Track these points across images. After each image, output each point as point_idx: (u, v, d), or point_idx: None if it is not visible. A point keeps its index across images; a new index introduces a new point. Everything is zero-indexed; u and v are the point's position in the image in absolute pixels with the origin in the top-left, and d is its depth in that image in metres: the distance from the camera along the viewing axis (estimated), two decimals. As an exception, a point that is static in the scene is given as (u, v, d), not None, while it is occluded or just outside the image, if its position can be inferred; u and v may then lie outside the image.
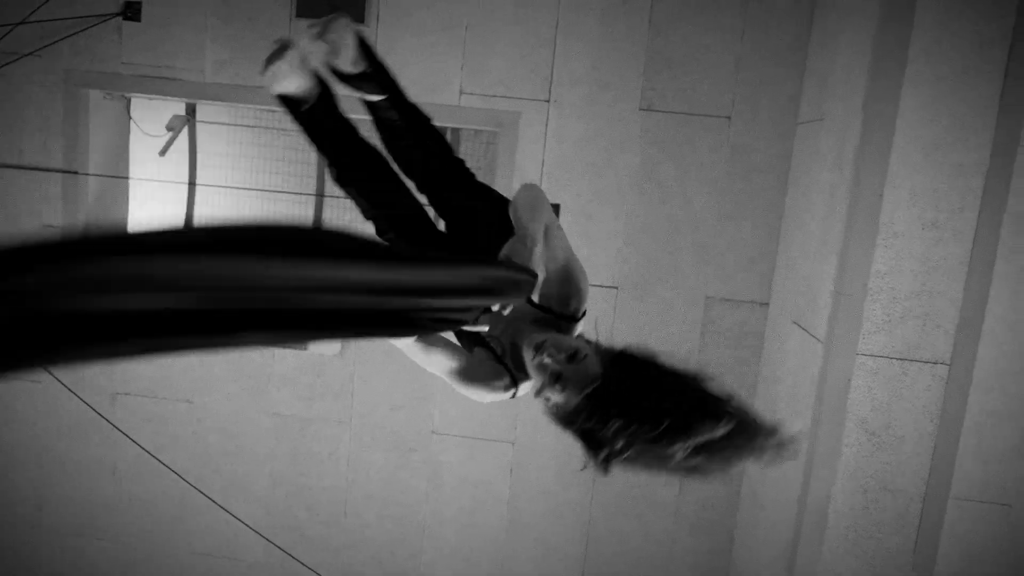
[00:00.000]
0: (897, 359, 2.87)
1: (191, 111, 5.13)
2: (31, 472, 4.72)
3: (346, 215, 5.61)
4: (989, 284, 2.77)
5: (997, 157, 2.75)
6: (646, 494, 4.37)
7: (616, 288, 4.15)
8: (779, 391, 3.75)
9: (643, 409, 1.43)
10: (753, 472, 4.08)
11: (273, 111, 5.07)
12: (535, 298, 1.78)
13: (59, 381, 4.41)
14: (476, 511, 4.51)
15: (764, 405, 4.00)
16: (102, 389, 4.52)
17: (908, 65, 2.78)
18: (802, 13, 3.86)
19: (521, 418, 4.35)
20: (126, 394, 4.54)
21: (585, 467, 1.53)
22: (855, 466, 2.94)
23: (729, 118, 3.98)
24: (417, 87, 4.09)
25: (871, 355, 2.88)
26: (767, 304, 4.08)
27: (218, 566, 4.73)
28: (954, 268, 2.81)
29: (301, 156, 5.51)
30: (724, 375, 4.28)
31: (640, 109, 4.02)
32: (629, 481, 4.37)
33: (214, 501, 4.39)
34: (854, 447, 2.93)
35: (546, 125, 4.06)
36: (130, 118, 4.67)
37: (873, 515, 2.96)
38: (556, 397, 1.53)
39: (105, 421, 4.41)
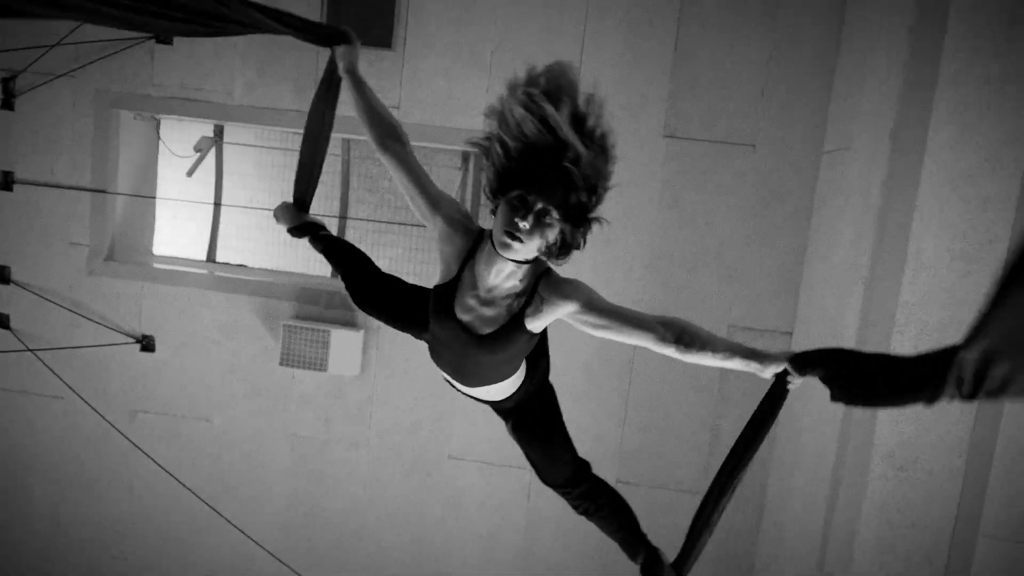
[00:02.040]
0: (925, 392, 2.82)
1: (219, 132, 5.20)
2: (49, 487, 4.73)
3: (368, 237, 5.64)
4: (1020, 317, 2.72)
5: (1028, 189, 2.71)
6: (665, 524, 4.30)
7: (637, 315, 4.12)
8: (803, 423, 3.69)
9: None
10: (774, 504, 4.01)
11: (299, 133, 5.12)
12: None
13: (79, 397, 4.44)
14: (492, 537, 4.47)
15: (787, 437, 3.94)
16: (121, 406, 4.54)
17: (937, 95, 2.76)
18: (829, 41, 3.85)
19: (539, 444, 4.31)
20: (145, 412, 4.56)
21: None
22: (881, 500, 2.88)
23: (754, 146, 3.97)
24: (442, 110, 4.14)
25: (898, 387, 2.83)
26: (790, 333, 4.04)
27: (232, 587, 4.71)
28: (983, 300, 2.76)
29: (325, 179, 5.55)
30: (748, 404, 4.21)
31: (664, 136, 4.02)
32: (648, 512, 4.31)
33: (229, 521, 4.39)
34: (880, 481, 2.88)
35: (569, 151, 4.07)
36: (159, 139, 4.74)
37: (900, 551, 2.89)
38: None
39: (123, 438, 4.42)
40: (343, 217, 5.26)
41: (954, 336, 2.77)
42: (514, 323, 1.83)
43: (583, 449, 4.27)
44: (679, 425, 4.18)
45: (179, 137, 4.97)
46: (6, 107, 4.32)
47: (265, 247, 5.61)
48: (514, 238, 1.66)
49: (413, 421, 4.42)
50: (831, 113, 3.86)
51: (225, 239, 5.35)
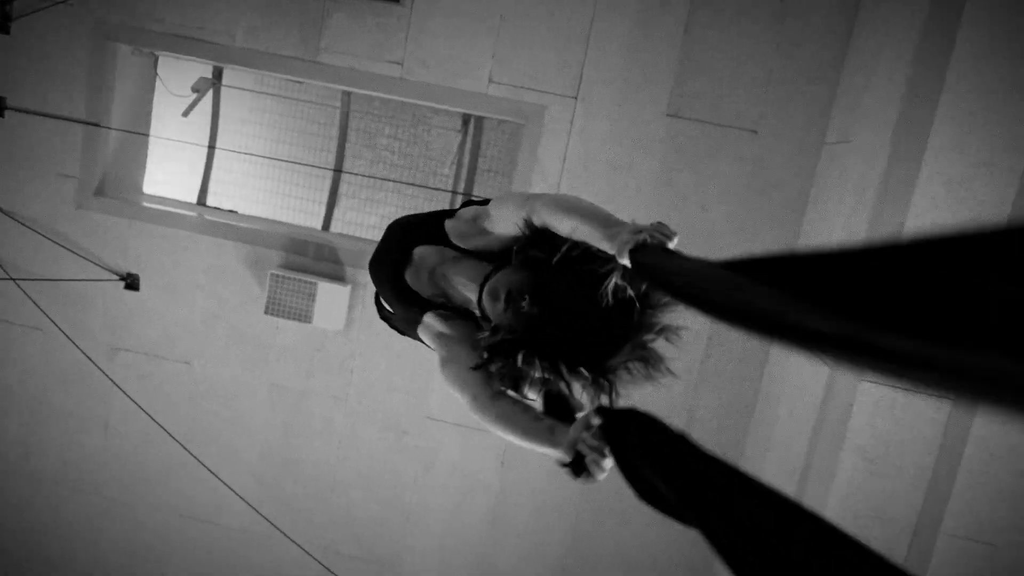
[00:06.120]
0: (901, 389, 2.86)
1: (218, 75, 5.13)
2: (23, 418, 4.73)
3: (362, 192, 5.61)
4: (1001, 323, 2.76)
5: (1022, 196, 2.74)
6: (642, 507, 4.37)
7: (625, 291, 4.14)
8: (779, 410, 3.75)
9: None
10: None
11: (299, 82, 5.06)
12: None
13: (60, 329, 4.41)
14: (463, 500, 4.52)
15: (762, 422, 4.00)
16: (102, 343, 4.53)
17: (942, 97, 2.76)
18: (839, 33, 3.84)
19: (517, 412, 4.35)
20: (126, 350, 4.54)
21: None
22: (848, 491, 2.94)
23: (755, 132, 3.97)
24: (445, 70, 4.10)
25: (875, 383, 2.88)
26: (774, 322, 4.07)
27: (201, 530, 4.75)
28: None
29: (322, 129, 5.50)
30: (726, 389, 4.24)
31: (667, 115, 4.00)
32: (619, 484, 4.37)
33: (204, 464, 4.40)
34: (850, 472, 2.93)
35: (571, 122, 4.05)
36: (156, 76, 4.66)
37: (861, 540, 2.96)
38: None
39: (101, 374, 4.41)
40: (338, 171, 5.22)
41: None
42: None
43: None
44: (655, 408, 4.22)
45: (177, 76, 4.89)
46: (2, 31, 4.23)
47: (256, 194, 5.57)
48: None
49: (394, 380, 4.44)
50: (835, 105, 3.86)
51: (217, 183, 5.30)
